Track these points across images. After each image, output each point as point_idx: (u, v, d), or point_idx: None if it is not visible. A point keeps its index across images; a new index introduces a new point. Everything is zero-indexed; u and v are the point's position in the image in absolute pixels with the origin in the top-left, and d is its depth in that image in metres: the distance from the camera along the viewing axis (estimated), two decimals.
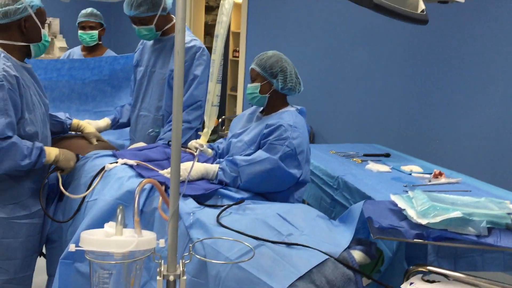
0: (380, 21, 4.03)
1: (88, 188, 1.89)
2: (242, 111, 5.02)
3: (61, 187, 1.92)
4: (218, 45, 1.13)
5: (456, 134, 3.74)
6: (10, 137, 1.73)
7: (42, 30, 1.91)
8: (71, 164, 1.98)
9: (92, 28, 3.39)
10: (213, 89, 1.14)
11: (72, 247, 1.11)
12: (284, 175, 2.00)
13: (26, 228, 1.91)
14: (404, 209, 1.70)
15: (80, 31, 3.40)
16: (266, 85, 2.13)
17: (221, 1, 1.11)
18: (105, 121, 2.60)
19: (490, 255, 1.85)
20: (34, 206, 1.93)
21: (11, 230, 1.88)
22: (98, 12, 3.47)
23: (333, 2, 4.38)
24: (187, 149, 2.20)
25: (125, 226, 1.18)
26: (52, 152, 1.91)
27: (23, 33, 1.87)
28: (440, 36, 3.76)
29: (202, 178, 2.00)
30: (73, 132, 2.36)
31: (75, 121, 2.33)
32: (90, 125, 2.38)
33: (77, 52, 3.51)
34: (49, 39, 1.96)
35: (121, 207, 1.17)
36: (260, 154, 2.00)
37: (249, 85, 2.17)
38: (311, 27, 4.62)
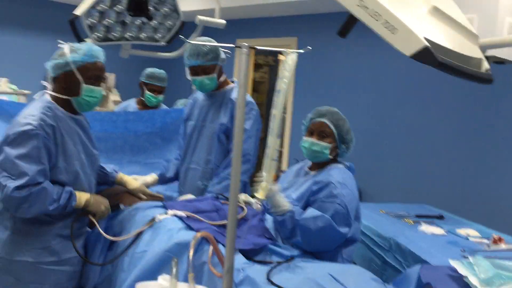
0: (429, 79, 4.01)
1: (137, 238, 1.89)
2: (288, 167, 5.02)
3: (99, 229, 1.92)
4: (280, 100, 1.13)
5: None
6: (41, 183, 1.78)
7: (85, 86, 1.92)
8: (101, 208, 1.99)
9: (160, 92, 3.55)
10: (273, 144, 1.14)
11: None
12: (335, 234, 1.94)
13: (53, 274, 1.90)
14: (465, 276, 1.60)
15: (148, 93, 3.52)
16: (334, 147, 2.11)
17: (284, 57, 1.12)
18: (152, 177, 2.63)
19: None
20: (64, 253, 1.92)
21: (36, 275, 1.88)
22: (167, 76, 3.62)
23: (380, 60, 4.41)
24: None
25: None
26: (82, 197, 1.93)
27: (64, 87, 1.93)
28: (495, 94, 3.69)
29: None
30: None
31: (119, 175, 2.35)
32: (135, 180, 2.40)
33: (132, 105, 3.65)
34: (98, 95, 1.97)
35: (175, 260, 1.15)
36: (312, 211, 1.95)
37: (318, 141, 2.08)
38: (358, 84, 4.65)
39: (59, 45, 1.98)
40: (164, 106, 3.68)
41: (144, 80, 3.55)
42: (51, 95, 1.96)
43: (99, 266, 2.00)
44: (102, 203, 2.00)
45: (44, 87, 2.01)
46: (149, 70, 3.58)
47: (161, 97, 3.57)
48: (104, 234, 1.92)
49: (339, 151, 2.11)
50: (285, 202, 1.93)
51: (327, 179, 2.01)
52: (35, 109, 1.87)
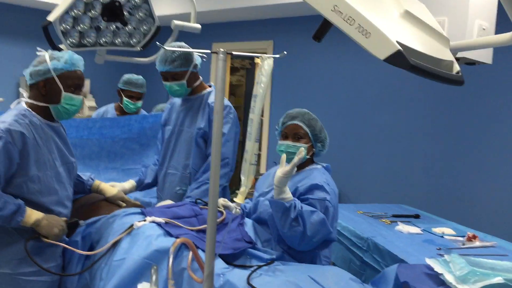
0: (405, 81, 4.08)
1: (116, 245, 1.87)
2: (266, 170, 5.03)
3: (62, 244, 1.89)
4: (257, 104, 1.14)
5: (488, 195, 3.65)
6: None
7: (65, 94, 1.91)
8: (54, 231, 1.85)
9: (139, 98, 3.51)
10: (251, 148, 1.15)
11: None
12: (326, 231, 1.95)
13: (32, 285, 1.87)
14: (441, 274, 1.63)
15: (126, 100, 3.48)
16: (310, 147, 2.14)
17: (260, 62, 1.13)
18: (130, 183, 2.61)
19: None
20: (43, 263, 1.88)
21: (16, 286, 1.84)
22: (145, 82, 3.59)
23: (356, 62, 4.46)
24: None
25: None
26: (33, 215, 1.82)
27: (42, 94, 1.91)
28: (467, 95, 3.77)
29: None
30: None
31: (96, 183, 2.32)
32: (113, 187, 2.37)
33: (110, 111, 3.61)
34: (77, 103, 1.96)
35: (155, 267, 1.15)
36: (308, 207, 1.95)
37: (293, 144, 2.10)
38: (335, 86, 4.69)
39: (38, 52, 1.96)
40: (143, 112, 3.65)
41: (122, 87, 3.52)
42: (27, 102, 1.93)
43: (76, 276, 1.97)
44: (55, 226, 1.87)
45: (19, 95, 1.98)
46: (126, 76, 3.54)
47: (139, 103, 3.54)
48: (77, 250, 1.89)
49: (315, 151, 2.14)
50: (289, 192, 1.93)
51: (313, 180, 2.03)
52: (8, 116, 1.85)
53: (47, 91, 1.91)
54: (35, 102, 1.92)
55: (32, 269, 1.86)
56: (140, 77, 3.57)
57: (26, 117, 1.87)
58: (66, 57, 1.92)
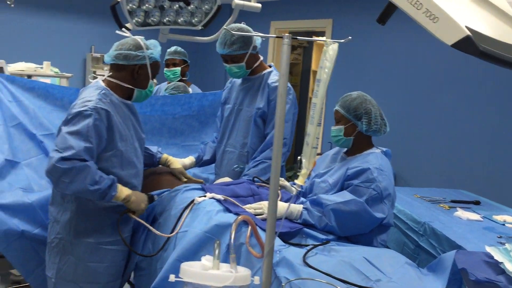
0: (468, 64, 3.92)
1: (178, 221, 1.96)
2: (322, 150, 5.03)
3: (146, 224, 2.01)
4: (320, 89, 1.16)
5: None
6: (85, 160, 1.83)
7: (151, 81, 2.09)
8: (142, 206, 2.02)
9: (175, 65, 3.64)
10: (314, 132, 1.17)
11: (172, 278, 1.16)
12: (369, 218, 1.96)
13: (111, 254, 2.01)
14: (501, 263, 1.61)
15: (165, 69, 3.65)
16: (350, 127, 2.13)
17: (324, 48, 1.14)
18: (190, 159, 2.71)
19: None
20: (121, 233, 2.01)
21: (97, 254, 1.98)
22: (182, 50, 3.72)
23: (417, 45, 4.33)
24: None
25: None
26: (123, 191, 1.95)
27: (133, 78, 2.05)
28: None
29: (285, 218, 2.01)
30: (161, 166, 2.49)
31: (164, 156, 2.46)
32: (177, 162, 2.49)
33: (162, 88, 3.74)
34: (153, 90, 2.15)
35: (218, 241, 1.21)
36: (346, 195, 1.99)
37: (333, 128, 2.17)
38: (394, 67, 4.58)
39: (121, 33, 2.09)
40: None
41: (164, 60, 3.66)
42: (106, 80, 2.05)
43: (141, 244, 2.09)
44: (142, 201, 2.02)
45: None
46: None
47: (176, 69, 3.64)
48: (152, 229, 2.00)
49: (358, 129, 2.11)
50: (294, 206, 2.01)
51: (364, 165, 2.03)
52: (92, 95, 1.95)
53: (138, 75, 2.05)
54: (120, 83, 2.04)
55: (111, 238, 2.01)
56: (177, 46, 3.71)
57: (106, 96, 1.98)
58: (159, 49, 2.10)
